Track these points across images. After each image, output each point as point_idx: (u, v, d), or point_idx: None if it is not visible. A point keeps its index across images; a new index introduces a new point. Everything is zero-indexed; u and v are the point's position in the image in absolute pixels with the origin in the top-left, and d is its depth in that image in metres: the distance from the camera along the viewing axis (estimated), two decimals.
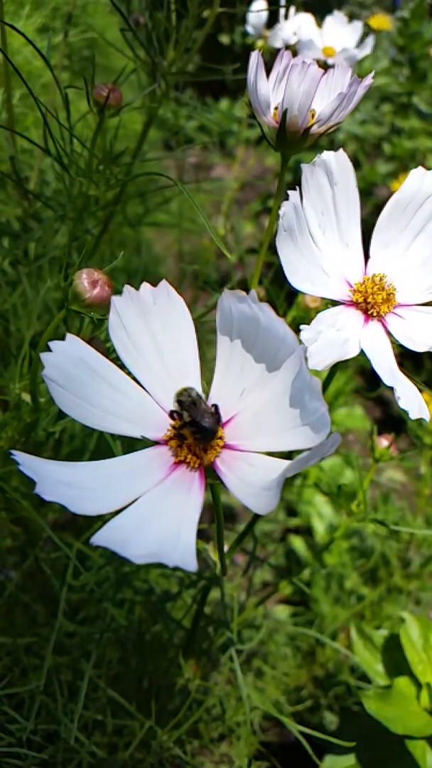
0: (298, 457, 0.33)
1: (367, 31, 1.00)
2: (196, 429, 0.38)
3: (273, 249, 0.52)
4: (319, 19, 0.99)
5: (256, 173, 2.44)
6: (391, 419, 1.76)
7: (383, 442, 0.68)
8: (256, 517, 0.59)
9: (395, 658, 0.79)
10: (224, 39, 2.69)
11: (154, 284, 0.43)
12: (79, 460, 0.68)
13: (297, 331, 0.75)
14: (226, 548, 0.61)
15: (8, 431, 0.46)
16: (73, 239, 0.58)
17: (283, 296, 0.76)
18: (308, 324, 0.66)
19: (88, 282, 0.39)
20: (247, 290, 0.40)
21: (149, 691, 0.72)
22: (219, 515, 0.44)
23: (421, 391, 0.46)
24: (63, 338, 0.38)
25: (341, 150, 0.50)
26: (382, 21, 2.38)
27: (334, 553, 1.12)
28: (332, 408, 1.34)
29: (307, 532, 1.28)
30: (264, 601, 0.74)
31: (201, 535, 0.38)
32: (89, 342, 0.44)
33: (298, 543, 1.19)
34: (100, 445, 0.70)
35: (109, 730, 0.68)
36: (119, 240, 1.22)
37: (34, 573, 0.67)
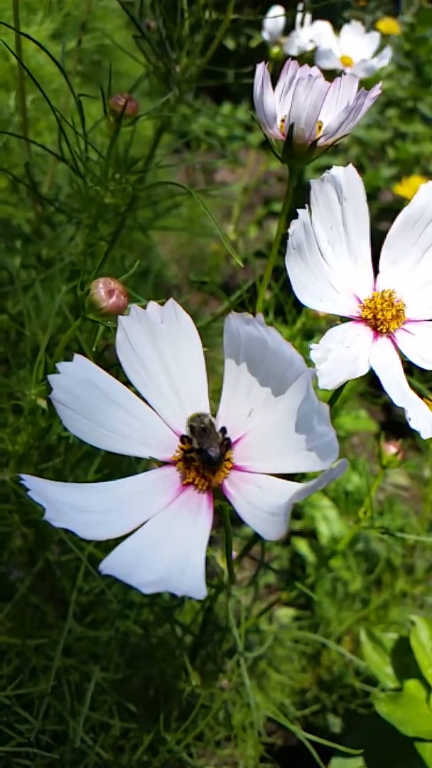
0: (306, 485, 0.33)
1: (384, 43, 1.00)
2: (202, 457, 0.38)
3: (282, 255, 0.53)
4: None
5: (259, 177, 2.44)
6: (394, 422, 1.76)
7: (391, 449, 0.68)
8: None
9: (405, 661, 0.79)
10: (229, 43, 2.70)
11: (163, 289, 0.43)
12: (91, 464, 0.69)
13: (307, 338, 0.75)
14: (234, 555, 0.61)
15: (23, 436, 0.47)
16: (88, 246, 0.59)
17: (291, 302, 0.76)
18: (318, 331, 0.66)
19: (104, 291, 0.40)
20: (256, 295, 0.40)
21: (155, 695, 0.72)
22: (228, 530, 0.44)
23: (422, 396, 0.46)
24: (72, 354, 0.38)
25: (350, 165, 0.50)
26: (390, 25, 2.39)
27: (338, 557, 1.13)
28: (338, 413, 1.35)
29: (311, 534, 1.29)
30: (270, 607, 0.74)
31: (209, 541, 0.38)
32: (104, 350, 0.45)
33: (303, 546, 1.19)
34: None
35: (116, 733, 0.68)
36: (127, 244, 1.23)
37: (44, 575, 0.67)
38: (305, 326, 0.74)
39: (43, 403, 0.46)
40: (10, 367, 0.56)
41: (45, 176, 0.78)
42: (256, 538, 0.64)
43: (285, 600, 0.82)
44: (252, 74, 0.49)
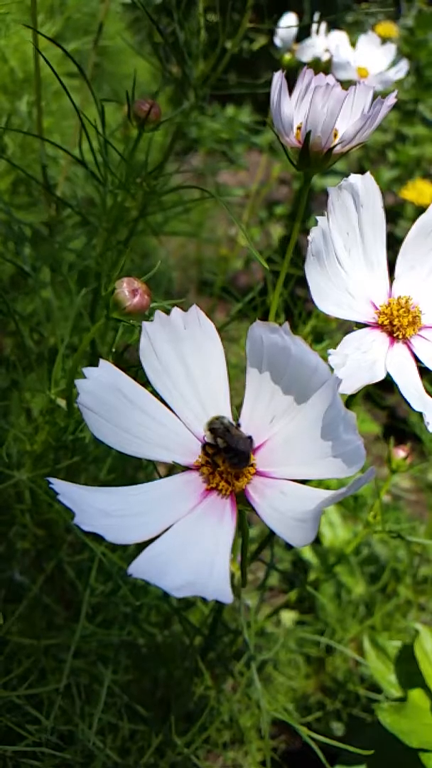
0: (335, 492, 0.34)
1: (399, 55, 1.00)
2: (232, 454, 0.38)
3: (292, 261, 0.53)
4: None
5: (262, 180, 2.45)
6: (394, 426, 1.77)
7: (400, 453, 0.68)
8: None
9: (409, 670, 0.79)
10: (229, 45, 2.70)
11: (168, 293, 0.43)
12: (104, 463, 0.69)
13: (316, 341, 0.75)
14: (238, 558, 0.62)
15: (42, 435, 0.47)
16: (106, 249, 0.59)
17: (300, 305, 0.76)
18: (328, 334, 0.66)
19: (128, 291, 0.40)
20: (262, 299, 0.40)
21: (163, 696, 0.72)
22: (245, 534, 0.45)
23: None
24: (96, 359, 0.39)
25: (368, 173, 0.50)
26: (388, 29, 2.39)
27: (342, 562, 1.13)
28: None
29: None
30: (277, 611, 0.75)
31: None
32: (125, 350, 0.45)
33: (306, 550, 1.19)
34: None
35: (124, 735, 0.68)
36: (131, 247, 1.23)
37: (53, 576, 0.67)
38: (315, 329, 0.74)
39: (62, 403, 0.46)
40: (23, 369, 0.56)
41: (59, 178, 0.78)
42: (266, 541, 0.64)
43: (290, 602, 0.83)
44: (256, 78, 0.49)
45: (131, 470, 0.86)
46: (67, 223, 0.73)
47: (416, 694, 0.75)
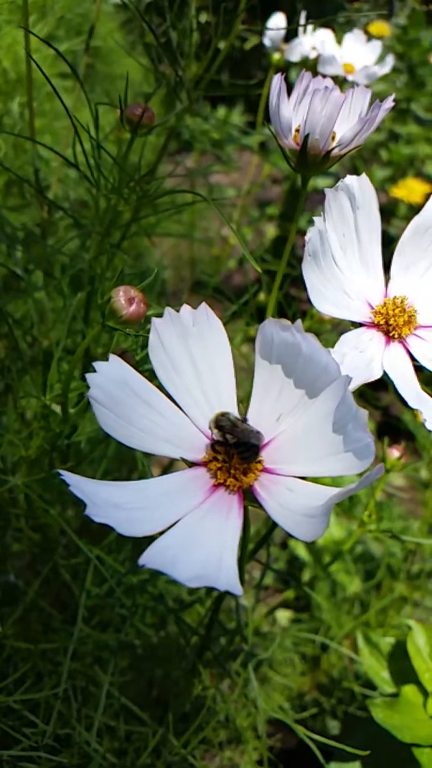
0: (344, 488, 0.34)
1: (385, 52, 1.01)
2: (243, 448, 0.39)
3: (288, 263, 0.53)
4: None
5: (253, 179, 2.45)
6: (389, 424, 1.77)
7: (394, 452, 0.69)
8: (273, 527, 0.60)
9: (402, 666, 0.79)
10: (222, 46, 2.69)
11: (161, 293, 0.43)
12: (98, 467, 0.69)
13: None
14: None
15: (37, 440, 0.47)
16: (100, 252, 0.59)
17: (295, 306, 0.76)
18: (322, 334, 0.66)
19: (125, 299, 0.41)
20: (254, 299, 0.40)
21: (159, 697, 0.72)
22: (246, 533, 0.45)
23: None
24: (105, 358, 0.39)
25: (364, 174, 0.51)
26: (381, 28, 2.40)
27: (337, 559, 1.13)
28: None
29: None
30: (273, 610, 0.75)
31: None
32: (121, 356, 0.45)
33: (300, 549, 1.20)
34: (121, 452, 0.71)
35: (120, 736, 0.68)
36: (123, 248, 1.23)
37: (49, 579, 0.67)
38: (310, 329, 0.74)
39: (57, 408, 0.46)
40: (17, 372, 0.56)
41: (51, 180, 0.78)
42: (263, 541, 0.64)
43: (285, 600, 0.83)
44: (246, 77, 0.50)
45: (126, 472, 0.86)
46: (59, 225, 0.72)
47: (409, 690, 0.76)
